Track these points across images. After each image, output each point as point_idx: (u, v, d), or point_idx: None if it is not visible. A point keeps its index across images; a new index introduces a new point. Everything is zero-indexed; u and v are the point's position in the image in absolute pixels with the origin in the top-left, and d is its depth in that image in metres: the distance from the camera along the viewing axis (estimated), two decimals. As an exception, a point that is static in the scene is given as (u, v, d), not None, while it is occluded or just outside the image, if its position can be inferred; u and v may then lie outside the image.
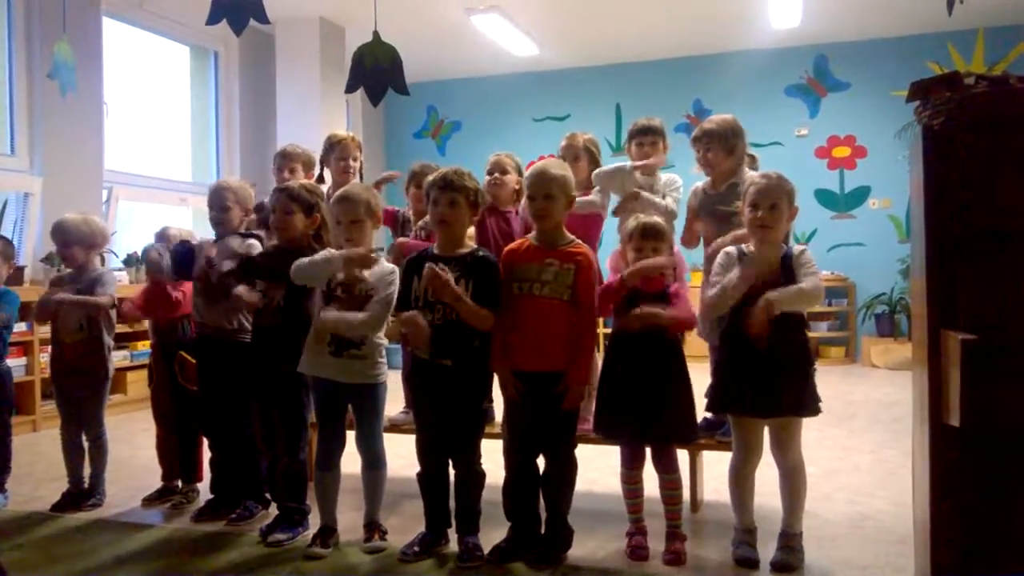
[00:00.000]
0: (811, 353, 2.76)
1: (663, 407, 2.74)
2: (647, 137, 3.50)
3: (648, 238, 2.79)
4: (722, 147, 3.27)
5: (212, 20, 3.26)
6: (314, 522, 3.07)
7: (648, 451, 2.88)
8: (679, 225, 3.41)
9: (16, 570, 2.83)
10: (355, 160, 3.84)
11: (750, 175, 2.96)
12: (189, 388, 3.45)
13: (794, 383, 2.67)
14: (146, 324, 3.86)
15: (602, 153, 3.76)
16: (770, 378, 2.65)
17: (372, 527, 2.97)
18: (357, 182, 3.60)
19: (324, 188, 3.88)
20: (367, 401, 2.96)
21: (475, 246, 2.88)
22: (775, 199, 2.71)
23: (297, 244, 3.10)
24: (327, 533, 2.98)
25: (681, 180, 3.53)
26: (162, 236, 3.63)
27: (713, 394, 2.83)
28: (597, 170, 3.52)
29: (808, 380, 2.69)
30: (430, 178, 2.88)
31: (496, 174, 3.57)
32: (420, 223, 3.58)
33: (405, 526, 3.09)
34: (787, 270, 2.70)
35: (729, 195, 3.22)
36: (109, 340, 3.57)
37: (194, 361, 3.43)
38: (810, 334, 2.81)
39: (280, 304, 3.06)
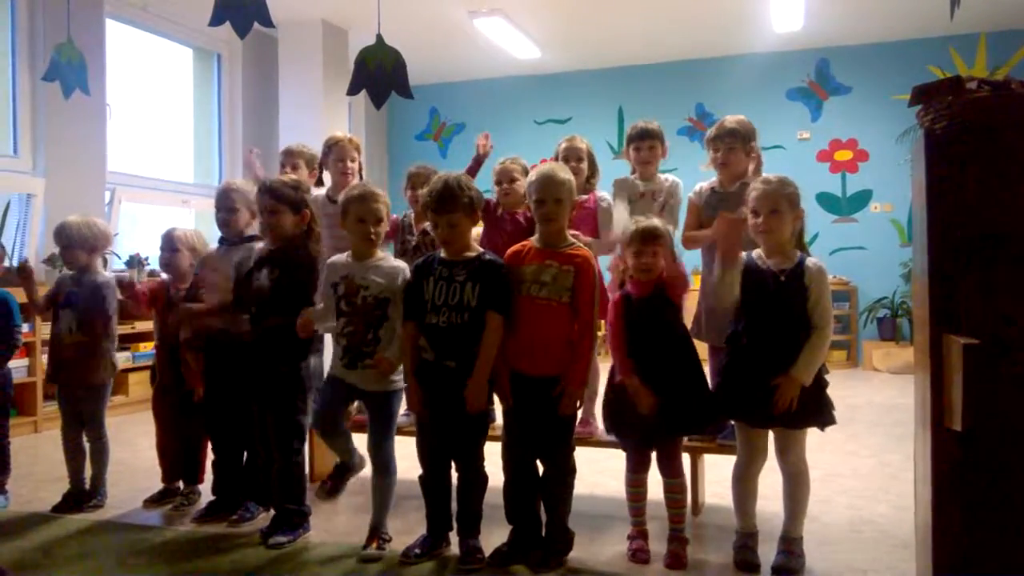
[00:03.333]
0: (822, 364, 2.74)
1: (676, 401, 2.73)
2: (644, 142, 3.49)
3: (648, 242, 2.79)
4: (742, 146, 3.29)
5: (215, 21, 3.26)
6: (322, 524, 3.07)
7: (654, 455, 2.87)
8: (678, 232, 3.40)
9: (17, 571, 2.83)
10: (352, 161, 3.83)
11: (754, 179, 2.96)
12: (193, 389, 3.45)
13: (803, 394, 2.65)
14: (150, 325, 3.86)
15: (603, 156, 3.76)
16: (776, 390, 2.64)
17: (374, 533, 2.96)
18: (360, 182, 3.59)
19: (323, 190, 3.89)
20: (380, 408, 2.96)
21: (482, 249, 2.88)
22: (775, 204, 2.70)
23: (291, 243, 3.10)
24: (341, 470, 3.05)
25: (681, 183, 3.53)
26: (168, 238, 3.63)
27: (719, 399, 2.83)
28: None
29: (818, 391, 2.68)
30: (424, 194, 2.86)
31: (505, 184, 3.56)
32: (423, 227, 3.58)
33: (407, 528, 3.09)
34: (797, 280, 2.68)
35: (741, 194, 3.22)
36: (108, 344, 3.57)
37: (193, 364, 3.43)
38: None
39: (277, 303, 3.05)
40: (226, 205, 3.37)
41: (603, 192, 3.60)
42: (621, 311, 2.82)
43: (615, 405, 2.84)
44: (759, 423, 2.72)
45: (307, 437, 3.24)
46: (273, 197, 3.06)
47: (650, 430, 2.79)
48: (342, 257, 3.01)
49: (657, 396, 2.72)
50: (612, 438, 3.00)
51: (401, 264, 2.99)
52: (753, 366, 2.68)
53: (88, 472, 3.61)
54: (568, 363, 2.76)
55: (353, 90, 3.40)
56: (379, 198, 2.94)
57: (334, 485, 3.04)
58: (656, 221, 2.85)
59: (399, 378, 2.94)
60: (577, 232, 3.06)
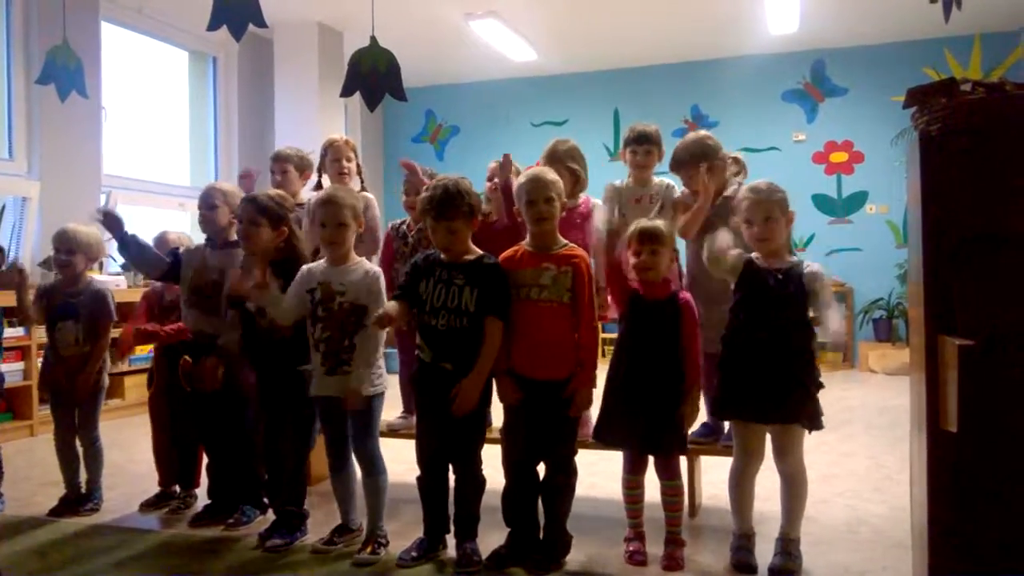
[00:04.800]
0: (816, 367, 2.75)
1: (665, 418, 2.74)
2: (641, 146, 3.47)
3: (645, 242, 2.79)
4: (699, 168, 3.22)
5: (213, 26, 3.26)
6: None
7: (651, 457, 2.87)
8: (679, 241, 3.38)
9: (13, 575, 2.82)
10: (349, 161, 3.83)
11: (741, 189, 2.95)
12: (201, 388, 3.43)
13: (798, 392, 2.67)
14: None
15: (600, 158, 3.72)
16: (774, 384, 2.65)
17: (370, 537, 2.95)
18: (341, 186, 3.57)
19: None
20: (358, 414, 2.94)
21: (481, 252, 2.88)
22: (767, 212, 2.72)
23: (265, 256, 3.06)
24: (341, 531, 3.03)
25: (675, 185, 3.52)
26: (161, 241, 3.62)
27: (716, 399, 2.83)
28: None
29: (812, 392, 2.70)
30: (423, 196, 2.83)
31: (496, 180, 3.56)
32: (420, 224, 3.56)
33: (404, 531, 3.08)
34: (796, 279, 2.70)
35: (722, 209, 3.20)
36: (106, 355, 3.57)
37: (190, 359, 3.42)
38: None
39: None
40: (207, 203, 3.36)
41: (597, 199, 3.59)
42: (627, 304, 2.82)
43: (606, 415, 2.85)
44: (757, 418, 2.72)
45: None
46: (255, 208, 3.04)
47: (636, 443, 2.81)
48: (319, 264, 2.99)
49: (641, 407, 2.74)
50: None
51: (376, 269, 2.98)
52: (752, 362, 2.69)
53: (83, 476, 3.60)
54: (573, 365, 2.76)
55: (346, 92, 3.39)
56: (341, 201, 2.91)
57: (330, 540, 3.03)
58: (658, 222, 2.85)
59: (379, 382, 2.93)
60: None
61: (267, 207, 3.04)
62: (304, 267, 3.01)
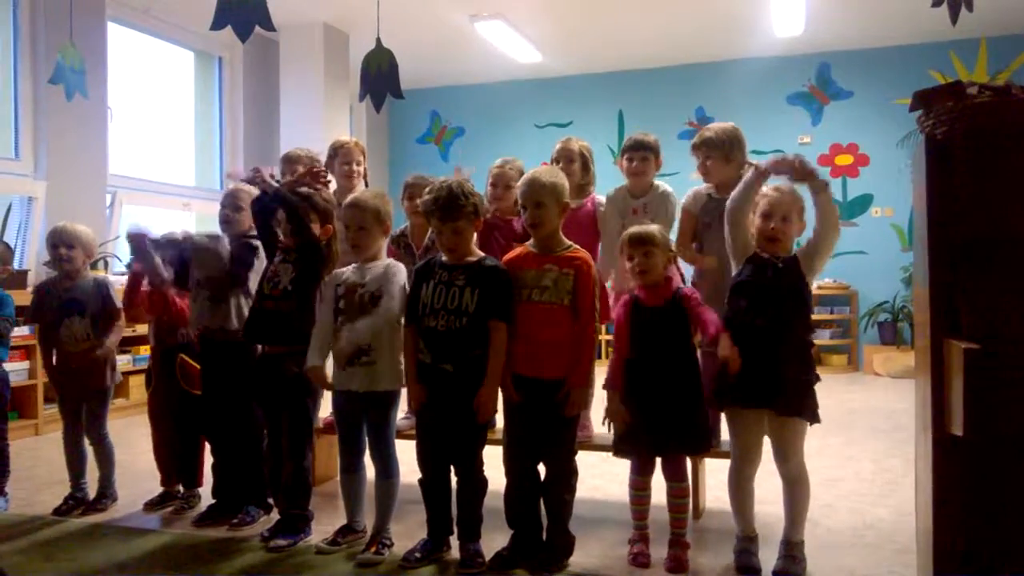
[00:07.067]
0: (812, 360, 2.76)
1: (681, 420, 2.74)
2: (637, 153, 3.47)
3: (637, 245, 2.79)
4: (720, 156, 3.24)
5: (216, 26, 3.27)
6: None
7: (659, 459, 2.87)
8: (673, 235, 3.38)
9: (17, 574, 2.83)
10: (358, 164, 3.85)
11: (763, 188, 2.95)
12: (191, 391, 3.45)
13: (795, 385, 2.67)
14: (147, 328, 3.86)
15: (604, 159, 3.74)
16: (771, 373, 2.65)
17: (375, 537, 2.96)
18: (367, 188, 3.59)
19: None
20: (376, 409, 2.95)
21: (483, 254, 2.88)
22: (787, 212, 2.74)
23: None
24: (345, 532, 3.03)
25: (673, 190, 3.51)
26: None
27: (711, 388, 2.81)
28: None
29: (807, 386, 2.70)
30: (426, 198, 2.83)
31: (499, 189, 3.55)
32: (427, 239, 3.56)
33: (409, 532, 3.08)
34: (794, 266, 2.73)
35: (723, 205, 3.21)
36: (115, 357, 3.60)
37: (197, 366, 3.43)
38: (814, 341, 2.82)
39: (288, 287, 3.06)
40: (232, 203, 3.39)
41: (601, 196, 3.59)
42: (629, 316, 2.81)
43: (626, 431, 2.84)
44: (753, 403, 2.71)
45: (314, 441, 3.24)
46: (309, 206, 3.09)
47: (651, 448, 2.82)
48: (346, 268, 3.05)
49: (654, 410, 2.74)
50: (610, 443, 3.00)
51: (397, 263, 3.02)
52: (749, 349, 2.66)
53: (91, 475, 3.60)
54: (571, 365, 2.76)
55: (363, 96, 3.43)
56: (363, 204, 2.97)
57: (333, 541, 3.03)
58: (651, 227, 2.87)
59: (393, 378, 2.93)
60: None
61: (321, 206, 3.12)
62: (332, 274, 3.07)
